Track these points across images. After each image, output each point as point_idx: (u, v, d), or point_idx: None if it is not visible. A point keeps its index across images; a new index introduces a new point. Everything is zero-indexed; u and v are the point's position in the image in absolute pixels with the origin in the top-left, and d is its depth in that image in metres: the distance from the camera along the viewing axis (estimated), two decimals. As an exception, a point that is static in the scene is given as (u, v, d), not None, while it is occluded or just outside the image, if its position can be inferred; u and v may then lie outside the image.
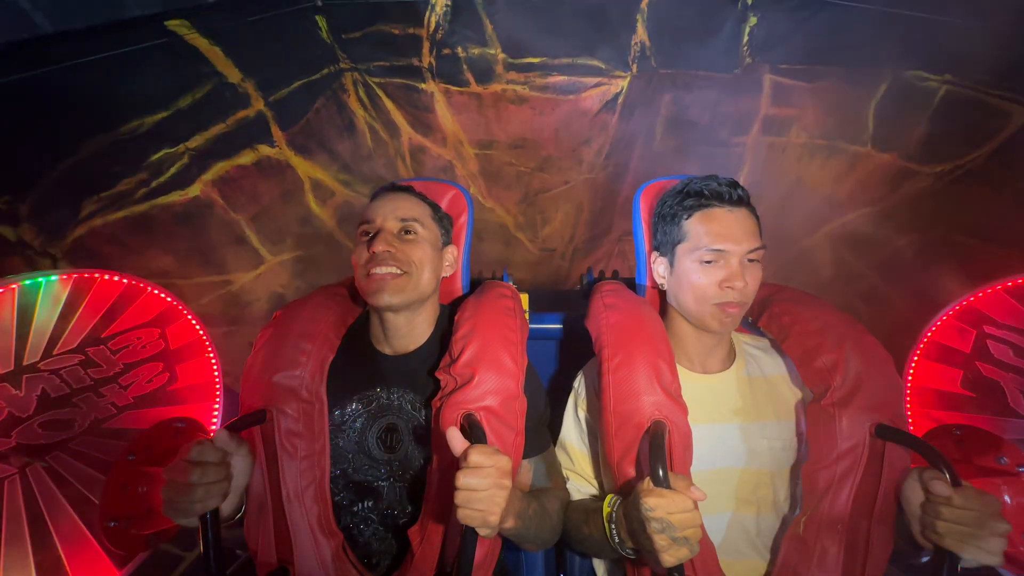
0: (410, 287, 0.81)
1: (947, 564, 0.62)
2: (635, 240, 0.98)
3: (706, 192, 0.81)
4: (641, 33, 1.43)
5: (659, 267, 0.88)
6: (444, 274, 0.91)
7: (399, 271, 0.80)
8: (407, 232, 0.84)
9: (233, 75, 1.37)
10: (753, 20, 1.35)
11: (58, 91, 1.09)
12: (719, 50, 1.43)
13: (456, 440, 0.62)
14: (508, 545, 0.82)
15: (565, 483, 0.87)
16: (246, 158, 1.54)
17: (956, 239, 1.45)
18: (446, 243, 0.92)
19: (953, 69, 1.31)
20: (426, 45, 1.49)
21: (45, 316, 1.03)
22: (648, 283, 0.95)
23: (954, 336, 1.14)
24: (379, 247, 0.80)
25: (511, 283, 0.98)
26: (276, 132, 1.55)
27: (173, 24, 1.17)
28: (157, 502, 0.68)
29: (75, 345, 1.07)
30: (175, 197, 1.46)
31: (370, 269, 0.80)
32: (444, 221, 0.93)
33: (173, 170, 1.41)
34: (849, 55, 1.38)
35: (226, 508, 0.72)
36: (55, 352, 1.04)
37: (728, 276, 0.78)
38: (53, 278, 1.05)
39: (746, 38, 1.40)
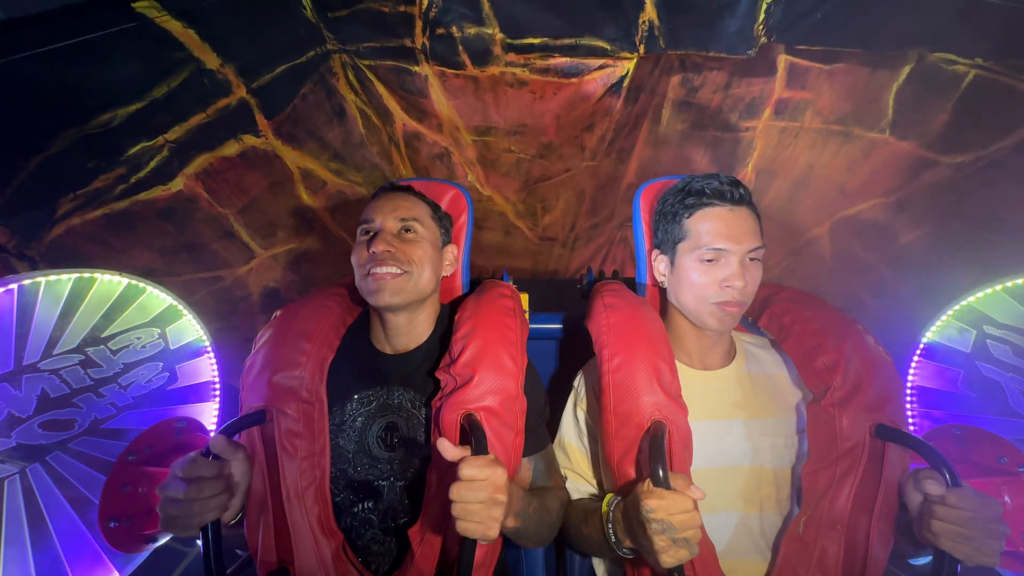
0: (410, 286, 0.81)
1: (946, 564, 0.62)
2: (635, 239, 0.98)
3: (707, 191, 0.80)
4: (650, 11, 1.33)
5: (660, 265, 0.89)
6: (444, 273, 0.92)
7: (399, 270, 0.81)
8: (407, 231, 0.84)
9: (211, 60, 1.27)
10: (771, -4, 1.26)
11: (19, 84, 1.01)
12: (732, 29, 1.33)
13: (448, 449, 0.62)
14: (508, 544, 0.83)
15: (564, 482, 0.88)
16: (230, 149, 1.46)
17: (974, 233, 1.40)
18: (446, 242, 0.93)
19: (985, 52, 1.22)
20: (419, 24, 1.39)
21: (45, 316, 1.02)
22: (648, 281, 0.96)
23: (954, 336, 1.14)
24: (379, 247, 0.80)
25: (511, 283, 0.97)
26: (261, 121, 1.47)
27: (141, 6, 1.07)
28: (157, 502, 0.68)
29: (75, 345, 1.06)
30: (157, 192, 1.39)
31: (370, 269, 0.80)
32: (444, 220, 0.93)
33: (153, 164, 1.34)
34: (872, 35, 1.29)
35: (226, 513, 0.73)
36: (55, 352, 1.03)
37: (728, 275, 0.78)
38: (53, 278, 1.04)
39: (762, 16, 1.30)
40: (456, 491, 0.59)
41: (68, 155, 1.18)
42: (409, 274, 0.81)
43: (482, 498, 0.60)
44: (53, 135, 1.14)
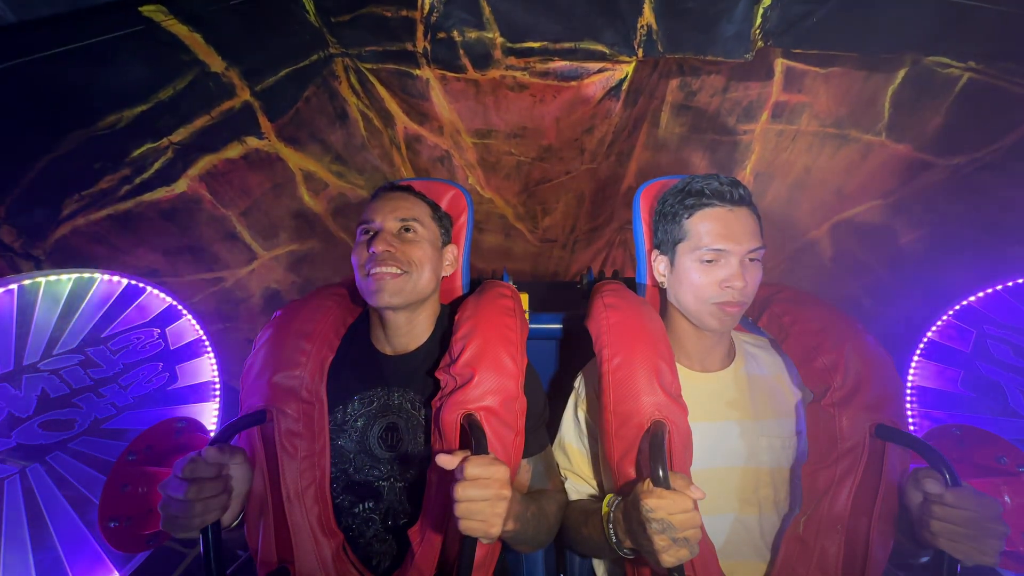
0: (410, 286, 0.81)
1: (946, 564, 0.62)
2: (635, 239, 0.98)
3: (707, 191, 0.80)
4: (648, 15, 1.35)
5: (659, 265, 0.88)
6: (444, 273, 0.92)
7: (399, 271, 0.81)
8: (407, 231, 0.84)
9: (216, 64, 1.29)
10: (767, 1, 1.28)
11: (28, 85, 1.03)
12: (730, 34, 1.35)
13: (448, 460, 0.62)
14: (507, 546, 0.83)
15: (563, 484, 0.88)
16: (234, 151, 1.48)
17: (970, 234, 1.41)
18: (446, 242, 0.92)
19: (978, 56, 1.24)
20: (420, 28, 1.41)
21: (45, 316, 1.03)
22: (648, 281, 0.96)
23: (954, 336, 1.14)
24: (379, 247, 0.80)
25: (511, 283, 0.97)
26: (264, 123, 1.48)
27: (148, 10, 1.09)
28: (157, 502, 0.68)
29: (75, 345, 1.07)
30: (161, 194, 1.40)
31: (370, 269, 0.80)
32: (444, 220, 0.93)
33: (157, 165, 1.35)
34: (868, 40, 1.31)
35: (226, 516, 0.73)
36: (55, 352, 1.04)
37: (728, 276, 0.78)
38: (53, 278, 1.04)
39: (759, 20, 1.32)
40: (461, 490, 0.59)
41: (74, 156, 1.19)
42: (409, 274, 0.81)
43: (487, 495, 0.60)
44: (60, 136, 1.16)
